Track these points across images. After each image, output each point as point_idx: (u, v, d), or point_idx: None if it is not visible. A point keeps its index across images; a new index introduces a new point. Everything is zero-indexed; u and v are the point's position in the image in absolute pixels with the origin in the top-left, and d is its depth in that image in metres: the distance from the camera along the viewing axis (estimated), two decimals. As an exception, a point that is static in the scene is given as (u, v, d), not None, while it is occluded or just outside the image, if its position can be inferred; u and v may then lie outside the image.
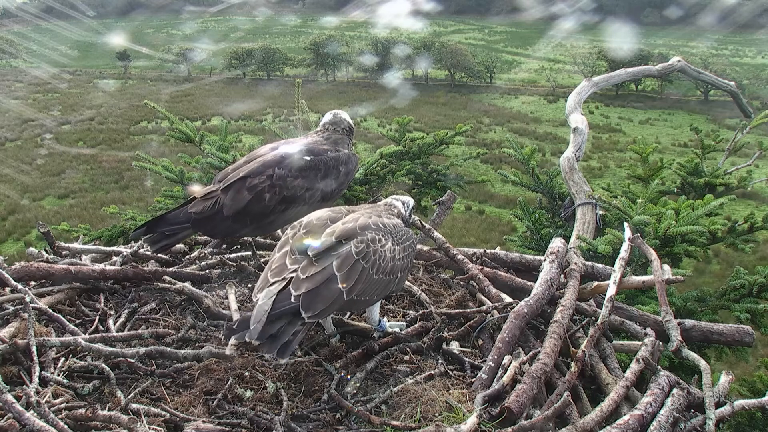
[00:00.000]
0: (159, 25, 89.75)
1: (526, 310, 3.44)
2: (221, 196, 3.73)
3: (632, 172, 7.19)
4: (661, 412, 2.85)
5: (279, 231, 4.46)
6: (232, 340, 2.77)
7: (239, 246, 4.61)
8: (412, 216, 3.66)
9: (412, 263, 3.57)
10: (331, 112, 4.32)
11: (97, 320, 3.57)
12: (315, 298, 2.84)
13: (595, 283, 3.97)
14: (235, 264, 4.23)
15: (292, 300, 2.82)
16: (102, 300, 3.78)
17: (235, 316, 3.51)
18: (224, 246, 4.67)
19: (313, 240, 3.06)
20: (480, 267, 4.18)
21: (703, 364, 3.21)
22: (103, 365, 3.02)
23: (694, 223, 4.81)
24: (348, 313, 3.61)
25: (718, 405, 3.03)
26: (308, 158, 3.89)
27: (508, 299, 3.79)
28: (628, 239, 4.07)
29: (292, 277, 2.93)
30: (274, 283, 2.95)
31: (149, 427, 2.64)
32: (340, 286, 2.90)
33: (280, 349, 2.75)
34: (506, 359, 3.07)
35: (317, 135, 4.19)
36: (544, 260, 4.01)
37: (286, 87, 52.14)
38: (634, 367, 3.14)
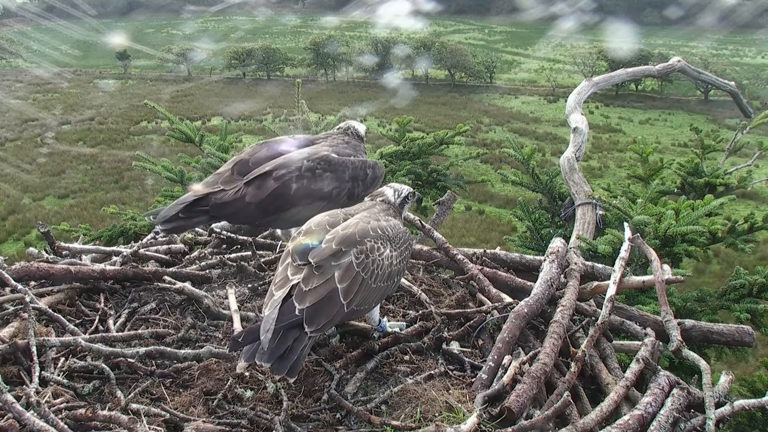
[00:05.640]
0: (159, 25, 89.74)
1: (526, 310, 3.44)
2: (244, 187, 3.68)
3: (632, 172, 7.20)
4: (661, 412, 2.85)
5: (279, 231, 4.45)
6: (242, 362, 2.77)
7: (239, 246, 4.61)
8: (407, 203, 3.58)
9: (409, 261, 3.55)
10: (346, 122, 4.35)
11: (97, 320, 3.57)
12: (318, 311, 2.84)
13: (595, 283, 3.97)
14: (235, 264, 4.23)
15: (297, 313, 2.82)
16: (102, 300, 3.78)
17: (235, 317, 3.51)
18: (224, 246, 4.67)
19: (312, 240, 3.06)
20: (480, 267, 4.18)
21: (703, 364, 3.21)
22: (103, 365, 3.01)
23: (694, 223, 4.82)
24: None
25: (718, 405, 3.03)
26: (335, 156, 3.88)
27: (508, 299, 3.79)
28: (628, 239, 4.07)
29: (294, 284, 2.93)
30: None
31: (149, 427, 2.64)
32: (342, 299, 2.90)
33: (290, 368, 2.75)
34: (506, 359, 3.07)
35: (335, 138, 4.15)
36: (544, 260, 4.01)
37: (286, 87, 52.08)
38: (634, 367, 3.14)
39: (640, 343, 3.39)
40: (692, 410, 3.06)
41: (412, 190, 3.60)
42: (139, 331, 3.44)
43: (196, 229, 5.03)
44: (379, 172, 4.06)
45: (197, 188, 3.68)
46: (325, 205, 3.79)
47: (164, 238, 4.83)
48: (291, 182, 3.68)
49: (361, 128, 4.25)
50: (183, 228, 3.85)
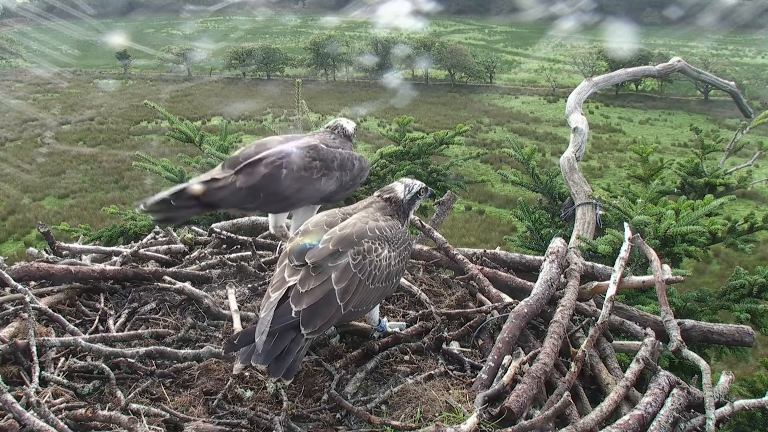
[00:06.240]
0: (159, 25, 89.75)
1: (526, 310, 3.44)
2: (235, 175, 3.68)
3: (632, 172, 7.21)
4: (661, 412, 2.85)
5: (272, 228, 4.42)
6: (238, 364, 2.77)
7: (239, 246, 4.61)
8: (418, 199, 3.48)
9: (408, 262, 3.53)
10: (335, 119, 4.39)
11: (97, 320, 3.57)
12: (315, 313, 2.82)
13: (595, 283, 3.97)
14: (235, 264, 4.23)
15: (293, 315, 2.80)
16: (102, 300, 3.77)
17: (235, 317, 3.51)
18: (224, 246, 4.67)
19: (309, 240, 3.05)
20: (480, 267, 4.18)
21: (703, 364, 3.21)
22: (103, 365, 3.01)
23: (694, 223, 4.82)
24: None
25: (718, 405, 3.03)
26: (324, 146, 3.91)
27: (508, 299, 3.79)
28: (628, 239, 4.07)
29: (291, 286, 2.92)
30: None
31: (149, 427, 2.64)
32: (339, 301, 2.89)
33: (286, 370, 2.74)
34: (506, 359, 3.07)
35: (323, 134, 4.19)
36: (544, 260, 4.01)
37: (286, 87, 52.07)
38: (634, 367, 3.14)
39: (640, 343, 3.39)
40: (692, 410, 3.06)
41: (424, 185, 3.51)
42: (139, 331, 3.44)
43: (195, 228, 5.04)
44: (365, 164, 4.08)
45: (196, 188, 3.65)
46: (314, 190, 3.80)
47: (164, 238, 4.83)
48: (281, 167, 3.69)
49: (350, 126, 4.26)
50: (173, 219, 3.80)
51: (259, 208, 3.84)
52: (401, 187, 3.45)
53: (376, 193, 3.48)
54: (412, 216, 3.59)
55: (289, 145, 3.85)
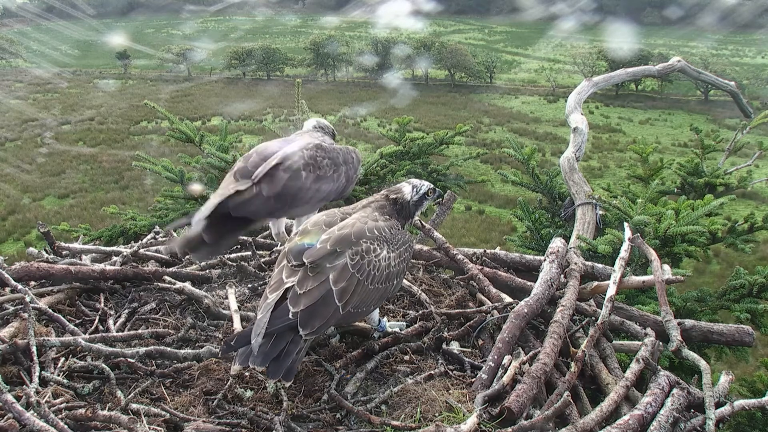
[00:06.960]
0: (159, 25, 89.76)
1: (526, 310, 3.44)
2: (257, 185, 3.69)
3: (632, 172, 7.22)
4: (661, 412, 2.85)
5: (274, 235, 4.44)
6: (236, 365, 2.76)
7: (239, 246, 4.61)
8: (426, 200, 3.45)
9: (409, 263, 3.52)
10: (313, 119, 4.50)
11: (97, 320, 3.57)
12: (312, 314, 2.81)
13: (595, 283, 3.97)
14: (235, 264, 4.23)
15: (290, 316, 2.79)
16: (102, 300, 3.78)
17: (235, 317, 3.51)
18: (224, 246, 4.67)
19: (308, 240, 3.04)
20: (480, 267, 4.18)
21: (703, 364, 3.20)
22: (103, 365, 3.01)
23: (694, 223, 4.82)
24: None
25: (718, 405, 3.02)
26: (325, 145, 4.00)
27: (508, 299, 3.79)
28: (628, 239, 4.07)
29: (288, 287, 2.90)
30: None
31: (149, 427, 2.64)
32: (337, 301, 2.87)
33: (285, 371, 2.73)
34: (506, 359, 3.07)
35: (315, 134, 4.21)
36: (544, 260, 4.01)
37: (286, 87, 52.08)
38: (634, 367, 3.14)
39: (640, 343, 3.39)
40: (692, 410, 3.05)
41: (432, 186, 3.48)
42: (139, 331, 3.44)
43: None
44: (359, 155, 4.22)
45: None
46: (330, 188, 3.91)
47: (164, 238, 4.83)
48: (300, 171, 3.76)
49: (330, 126, 4.45)
50: (215, 250, 3.71)
51: (286, 214, 3.90)
52: (409, 188, 3.42)
53: (382, 192, 3.45)
54: (415, 217, 3.57)
55: (295, 147, 3.89)
